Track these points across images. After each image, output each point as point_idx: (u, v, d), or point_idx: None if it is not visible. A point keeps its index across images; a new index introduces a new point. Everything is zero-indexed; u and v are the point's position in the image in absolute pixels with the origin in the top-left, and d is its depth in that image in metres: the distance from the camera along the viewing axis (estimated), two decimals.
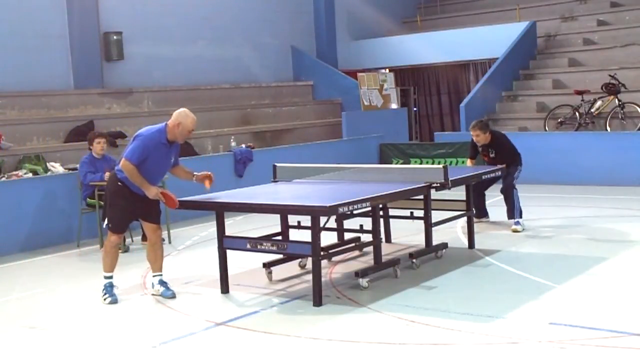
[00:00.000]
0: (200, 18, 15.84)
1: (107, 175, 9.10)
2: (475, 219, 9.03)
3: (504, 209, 9.67)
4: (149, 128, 6.91)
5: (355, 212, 6.96)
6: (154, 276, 7.18)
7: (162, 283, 7.13)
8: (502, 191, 9.67)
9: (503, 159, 9.44)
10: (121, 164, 6.80)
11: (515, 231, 9.34)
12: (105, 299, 6.97)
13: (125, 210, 6.98)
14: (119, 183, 6.89)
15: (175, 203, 6.92)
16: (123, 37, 14.13)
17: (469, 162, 9.89)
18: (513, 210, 9.50)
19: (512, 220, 9.53)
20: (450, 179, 7.57)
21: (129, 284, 7.68)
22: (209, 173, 7.17)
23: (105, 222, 7.09)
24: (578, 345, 5.26)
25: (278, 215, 7.85)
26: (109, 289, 7.03)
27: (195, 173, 7.20)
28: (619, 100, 14.20)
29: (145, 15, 14.83)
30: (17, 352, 5.84)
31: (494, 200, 10.12)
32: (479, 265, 7.89)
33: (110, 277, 7.05)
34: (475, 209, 9.08)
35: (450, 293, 6.85)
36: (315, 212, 6.54)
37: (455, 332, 5.67)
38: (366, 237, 8.01)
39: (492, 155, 9.59)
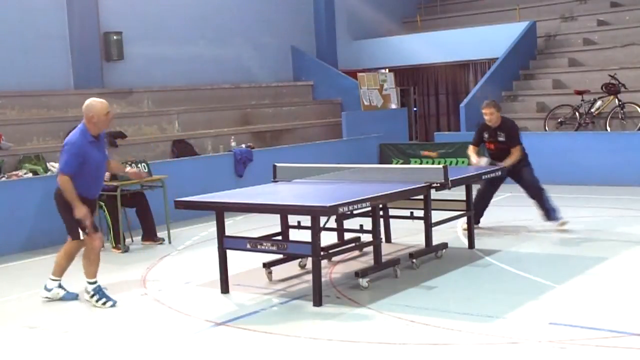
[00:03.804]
0: (200, 18, 15.82)
1: (107, 175, 9.08)
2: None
3: (504, 208, 9.67)
4: (72, 134, 6.91)
5: (355, 212, 6.95)
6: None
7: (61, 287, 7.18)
8: (532, 196, 9.31)
9: (511, 144, 9.19)
10: (57, 179, 6.74)
11: (562, 230, 9.04)
12: (105, 304, 6.88)
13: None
14: (62, 194, 6.80)
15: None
16: (123, 37, 14.12)
17: (471, 149, 9.52)
18: (550, 212, 9.19)
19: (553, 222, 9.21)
20: (450, 179, 7.58)
21: (129, 284, 7.69)
22: (140, 173, 7.71)
23: (80, 232, 6.92)
24: (578, 345, 5.26)
25: (278, 215, 7.86)
26: (101, 292, 6.93)
27: (127, 169, 7.55)
28: (619, 100, 14.19)
29: (145, 15, 14.81)
30: (17, 352, 5.85)
31: (498, 200, 10.10)
32: (479, 265, 7.89)
33: (96, 282, 6.97)
34: (475, 213, 8.93)
35: (450, 293, 6.86)
36: (315, 212, 6.54)
37: (455, 332, 5.67)
38: (366, 237, 8.00)
39: (500, 139, 9.24)
